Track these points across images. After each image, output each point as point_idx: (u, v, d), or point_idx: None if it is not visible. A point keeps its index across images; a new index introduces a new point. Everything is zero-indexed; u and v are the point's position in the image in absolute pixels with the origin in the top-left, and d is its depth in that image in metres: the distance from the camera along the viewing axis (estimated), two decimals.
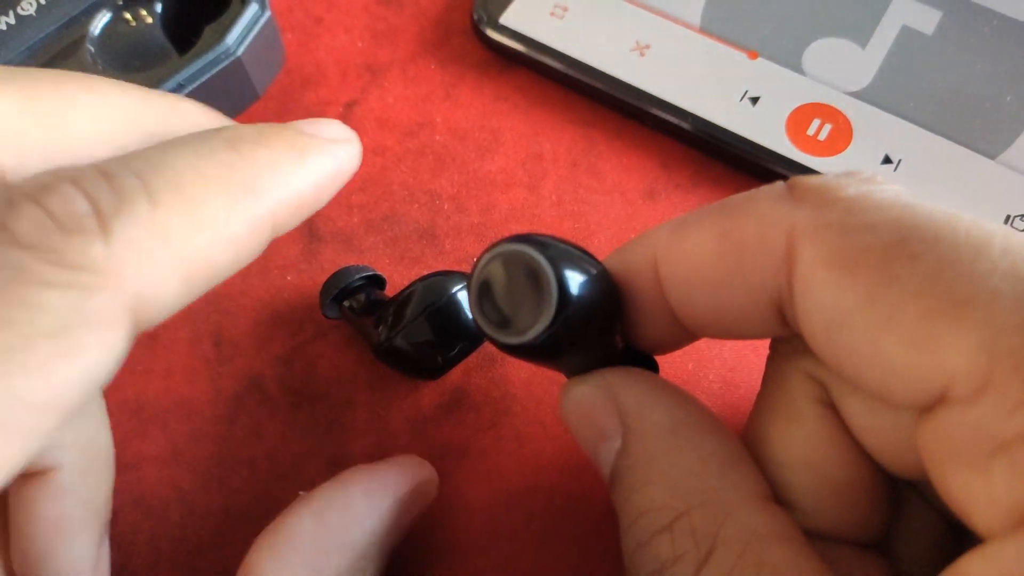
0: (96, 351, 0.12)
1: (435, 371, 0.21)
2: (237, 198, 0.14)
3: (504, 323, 0.14)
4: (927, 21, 0.26)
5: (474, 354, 0.23)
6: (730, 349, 0.23)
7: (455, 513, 0.21)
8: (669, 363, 0.23)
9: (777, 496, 0.16)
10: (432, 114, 0.26)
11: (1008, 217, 0.23)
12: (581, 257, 0.15)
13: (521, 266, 0.14)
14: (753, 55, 0.25)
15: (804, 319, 0.14)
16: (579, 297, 0.14)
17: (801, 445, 0.16)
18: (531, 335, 0.14)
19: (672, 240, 0.16)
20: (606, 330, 0.16)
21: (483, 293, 0.15)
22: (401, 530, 0.19)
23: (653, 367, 0.19)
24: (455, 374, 0.23)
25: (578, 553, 0.21)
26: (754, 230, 0.15)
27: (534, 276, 0.14)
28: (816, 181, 0.15)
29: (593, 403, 0.16)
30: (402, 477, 0.19)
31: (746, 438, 0.17)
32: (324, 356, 0.23)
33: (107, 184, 0.13)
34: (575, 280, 0.14)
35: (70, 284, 0.12)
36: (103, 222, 0.13)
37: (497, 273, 0.14)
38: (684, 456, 0.15)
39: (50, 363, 0.12)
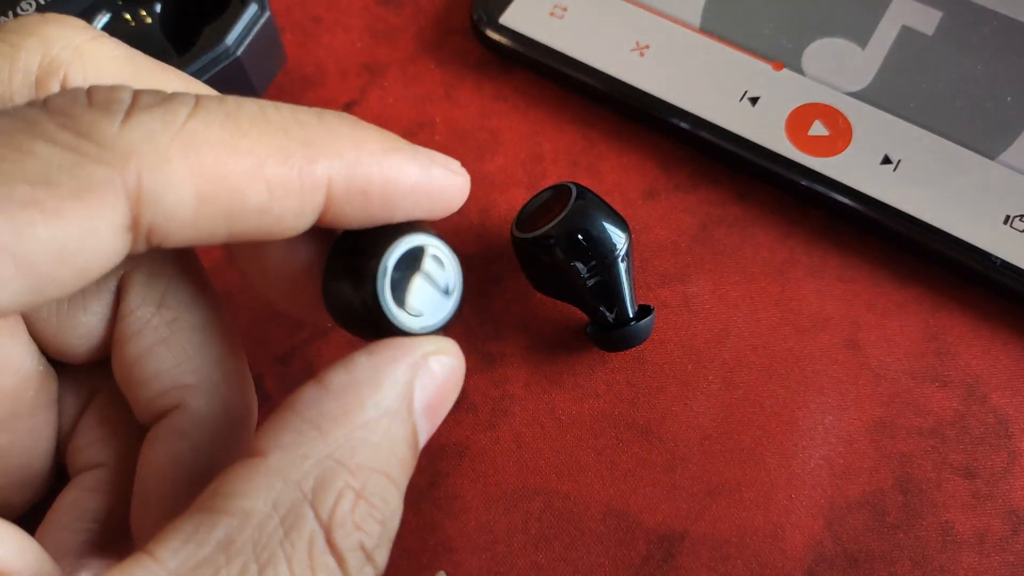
0: (77, 222, 0.12)
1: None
2: (289, 144, 0.14)
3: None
4: (927, 21, 0.26)
5: (474, 354, 0.23)
6: (730, 349, 0.23)
7: (453, 513, 0.21)
8: (669, 364, 0.23)
9: None
10: (432, 114, 0.26)
11: (1008, 217, 0.23)
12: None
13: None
14: (778, 66, 0.25)
15: None
16: None
17: None
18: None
19: None
20: None
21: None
22: None
23: None
24: None
25: (577, 554, 0.21)
26: None
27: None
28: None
29: None
30: None
31: None
32: (323, 356, 0.23)
33: (162, 94, 0.13)
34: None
35: (70, 147, 0.12)
36: (133, 109, 0.13)
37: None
38: None
39: (24, 210, 0.11)
